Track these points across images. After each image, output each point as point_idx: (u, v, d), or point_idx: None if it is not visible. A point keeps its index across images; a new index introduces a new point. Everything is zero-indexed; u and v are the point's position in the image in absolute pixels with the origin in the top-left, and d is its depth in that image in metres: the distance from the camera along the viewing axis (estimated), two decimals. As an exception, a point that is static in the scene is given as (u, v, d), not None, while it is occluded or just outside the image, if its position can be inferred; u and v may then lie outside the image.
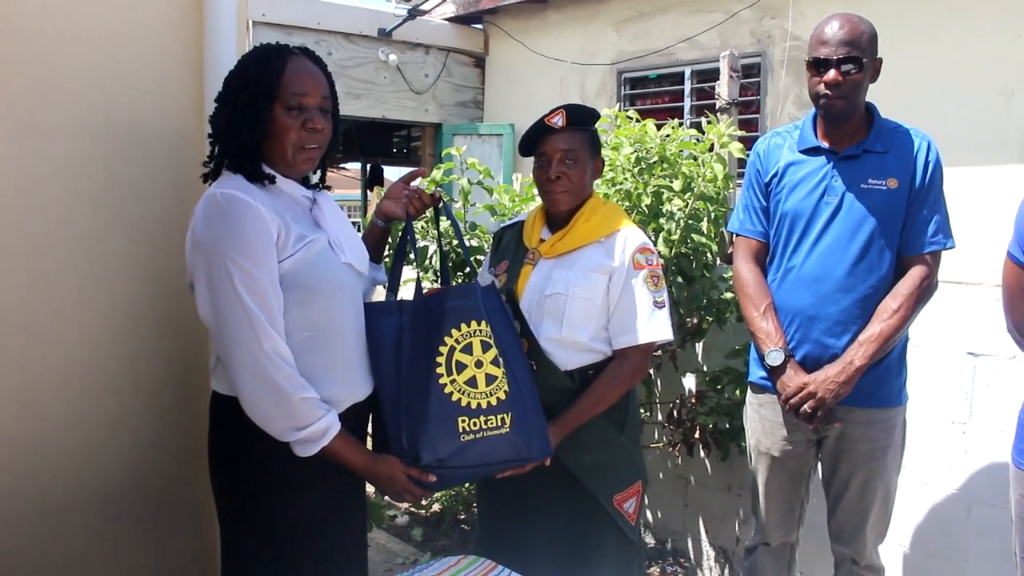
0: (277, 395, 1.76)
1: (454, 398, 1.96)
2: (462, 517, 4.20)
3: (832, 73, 2.31)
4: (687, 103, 6.71)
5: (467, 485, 4.06)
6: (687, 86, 6.72)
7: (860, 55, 2.30)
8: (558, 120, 2.27)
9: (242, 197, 1.76)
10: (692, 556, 3.66)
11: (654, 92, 7.09)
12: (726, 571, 3.52)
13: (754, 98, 6.28)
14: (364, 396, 1.97)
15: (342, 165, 13.83)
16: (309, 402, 1.79)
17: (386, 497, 3.73)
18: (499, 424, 1.98)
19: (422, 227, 3.45)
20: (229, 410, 1.84)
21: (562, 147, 2.26)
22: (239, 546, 1.94)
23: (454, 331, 2.00)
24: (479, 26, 8.31)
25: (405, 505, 4.41)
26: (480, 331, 2.02)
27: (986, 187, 4.77)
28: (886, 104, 5.19)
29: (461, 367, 1.98)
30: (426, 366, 1.96)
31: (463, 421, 1.95)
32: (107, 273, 2.11)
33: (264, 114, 1.83)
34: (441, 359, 1.97)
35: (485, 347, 2.01)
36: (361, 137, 11.11)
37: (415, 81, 7.92)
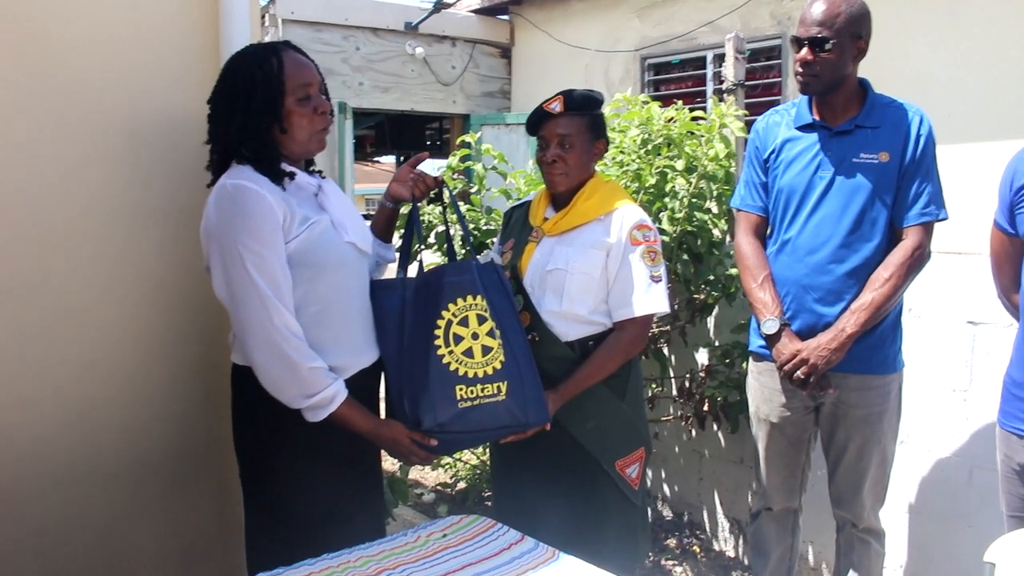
0: (287, 366, 1.91)
1: (452, 368, 2.08)
2: (486, 494, 4.32)
3: (803, 52, 2.40)
4: (709, 87, 6.77)
5: (489, 462, 4.19)
6: (709, 70, 6.78)
7: (831, 36, 2.37)
8: (556, 106, 2.38)
9: (250, 186, 1.90)
10: (707, 527, 3.76)
11: (677, 77, 7.16)
12: (740, 541, 3.61)
13: (775, 80, 6.33)
14: (370, 362, 2.12)
15: (376, 159, 14.02)
16: (317, 372, 1.94)
17: (410, 474, 3.89)
18: (495, 392, 2.11)
19: (440, 212, 3.58)
20: (249, 379, 1.99)
21: (559, 131, 2.38)
22: (261, 507, 2.09)
23: (451, 305, 2.12)
24: (505, 17, 8.43)
25: (432, 483, 4.56)
26: (476, 305, 2.15)
27: (1004, 161, 4.78)
28: (906, 81, 5.24)
29: (458, 339, 2.10)
30: (425, 338, 2.09)
31: (460, 389, 2.07)
32: (136, 257, 2.27)
33: (280, 109, 1.98)
34: (439, 331, 2.10)
35: (481, 320, 2.14)
36: (394, 131, 11.28)
37: (442, 73, 8.06)
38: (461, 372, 2.09)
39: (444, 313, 2.12)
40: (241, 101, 1.97)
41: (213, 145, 2.05)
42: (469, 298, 2.15)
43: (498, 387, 2.11)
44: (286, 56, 2.01)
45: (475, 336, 2.12)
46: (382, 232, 2.39)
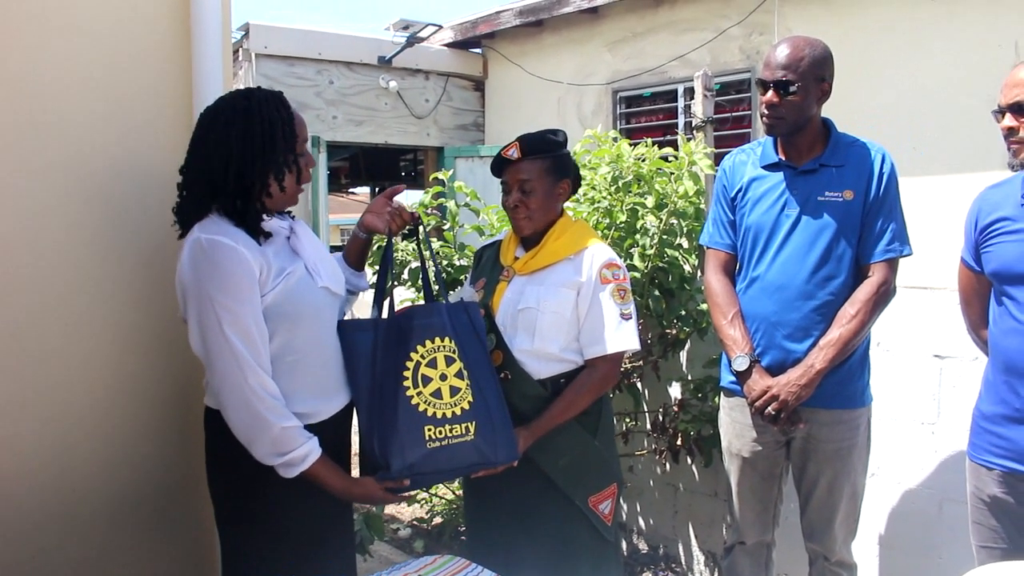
0: (261, 425, 1.92)
1: (420, 409, 2.09)
2: (463, 529, 4.31)
3: (768, 95, 2.45)
4: (681, 119, 6.85)
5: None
6: (680, 103, 6.86)
7: (796, 79, 2.42)
8: (513, 152, 2.41)
9: (226, 242, 1.90)
10: (683, 561, 3.76)
11: (648, 110, 7.24)
12: (715, 574, 3.62)
13: (745, 113, 6.42)
14: (343, 406, 2.13)
15: (351, 190, 14.03)
16: (290, 431, 1.94)
17: (386, 509, 3.87)
18: (464, 432, 2.12)
19: (413, 249, 3.60)
20: (223, 422, 1.99)
21: (519, 177, 2.41)
22: (239, 547, 2.08)
23: (419, 347, 2.14)
24: (477, 51, 8.50)
25: (408, 518, 4.54)
26: (444, 347, 2.16)
27: (972, 194, 4.87)
28: (873, 114, 5.31)
29: (427, 380, 2.12)
30: (395, 380, 2.10)
31: (429, 430, 2.08)
32: (109, 300, 2.27)
33: (291, 157, 2.00)
34: (408, 373, 2.11)
35: (449, 361, 2.15)
36: (368, 162, 11.31)
37: (416, 106, 8.11)
38: (430, 413, 2.10)
39: (413, 355, 2.13)
40: (258, 144, 1.95)
41: (196, 184, 1.99)
42: (437, 340, 2.16)
43: (466, 427, 2.13)
44: (293, 110, 2.04)
45: (443, 377, 2.14)
46: (355, 261, 2.40)
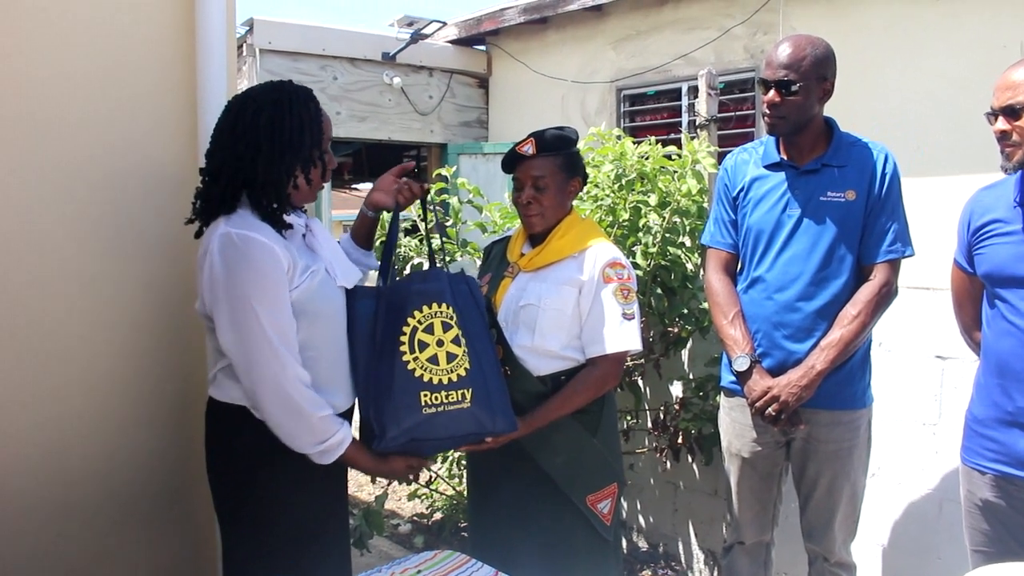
0: (300, 417, 1.94)
1: (416, 374, 2.08)
2: (463, 525, 4.32)
3: (770, 94, 2.45)
4: (684, 118, 6.85)
5: (465, 493, 4.19)
6: (684, 101, 6.86)
7: (798, 79, 2.41)
8: (528, 148, 2.41)
9: (258, 237, 1.91)
10: (683, 559, 3.77)
11: (652, 108, 7.24)
12: (715, 573, 3.62)
13: (749, 112, 6.42)
14: (349, 404, 2.15)
15: (354, 186, 14.03)
16: (326, 420, 1.98)
17: (386, 504, 3.88)
18: (460, 399, 2.11)
19: (416, 245, 3.61)
20: (227, 416, 2.01)
21: (533, 173, 2.41)
22: (239, 543, 2.09)
23: (416, 312, 2.13)
24: (482, 47, 8.51)
25: (408, 513, 4.55)
26: (441, 312, 2.15)
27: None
28: (876, 113, 5.29)
29: (423, 345, 2.11)
30: (392, 345, 2.10)
31: (425, 395, 2.08)
32: (112, 295, 2.28)
33: (314, 156, 2.02)
34: (404, 338, 2.10)
35: (446, 327, 2.15)
36: (371, 158, 11.30)
37: (420, 103, 8.11)
38: (426, 378, 2.09)
39: (410, 320, 2.13)
40: (287, 136, 1.97)
41: (224, 172, 1.97)
42: (435, 305, 2.16)
43: (462, 394, 2.12)
44: (320, 106, 2.05)
45: (440, 343, 2.13)
46: (364, 241, 2.42)
